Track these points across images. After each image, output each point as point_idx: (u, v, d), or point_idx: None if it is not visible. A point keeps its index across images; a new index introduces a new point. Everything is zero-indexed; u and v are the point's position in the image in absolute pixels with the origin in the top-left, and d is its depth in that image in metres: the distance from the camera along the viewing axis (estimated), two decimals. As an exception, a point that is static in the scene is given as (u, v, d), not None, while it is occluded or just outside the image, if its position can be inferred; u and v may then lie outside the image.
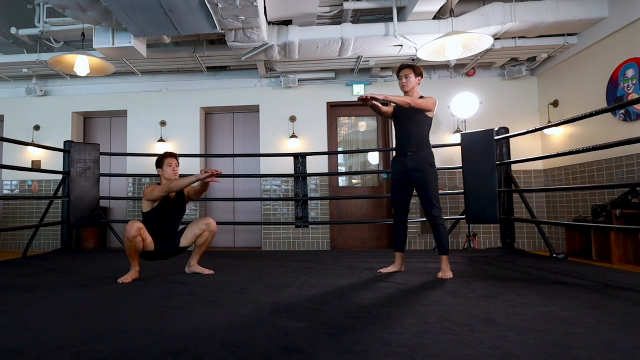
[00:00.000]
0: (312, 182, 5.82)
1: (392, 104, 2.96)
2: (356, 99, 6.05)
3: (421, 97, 2.89)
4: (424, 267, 3.21)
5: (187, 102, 6.13)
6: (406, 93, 2.93)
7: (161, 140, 5.96)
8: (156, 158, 3.05)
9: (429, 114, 2.89)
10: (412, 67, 2.91)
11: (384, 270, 3.04)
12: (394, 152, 3.09)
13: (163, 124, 6.07)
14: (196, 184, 2.87)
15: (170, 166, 2.94)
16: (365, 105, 2.74)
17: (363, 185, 6.19)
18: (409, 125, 2.92)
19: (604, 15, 4.34)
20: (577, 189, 4.22)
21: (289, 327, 1.66)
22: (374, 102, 2.70)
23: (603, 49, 4.51)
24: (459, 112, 5.39)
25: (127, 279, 2.70)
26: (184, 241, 2.94)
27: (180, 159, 3.34)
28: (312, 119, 5.96)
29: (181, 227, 3.04)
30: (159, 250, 2.86)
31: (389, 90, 5.93)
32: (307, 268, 3.26)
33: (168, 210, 2.92)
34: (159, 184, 2.93)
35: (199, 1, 3.60)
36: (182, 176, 3.02)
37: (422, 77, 2.94)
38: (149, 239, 2.78)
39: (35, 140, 6.12)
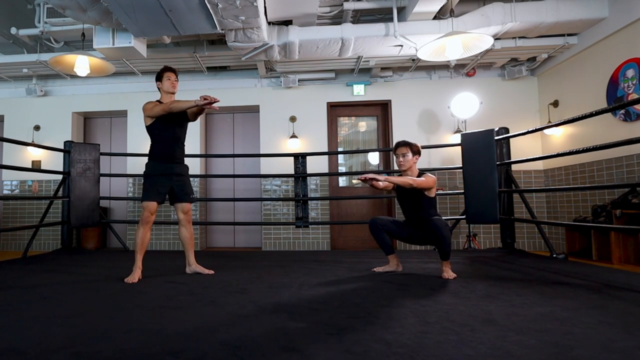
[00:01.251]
0: (312, 182, 5.82)
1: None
2: (357, 99, 6.10)
3: (420, 175, 2.91)
4: (424, 267, 3.21)
5: (187, 102, 6.11)
6: (404, 172, 2.95)
7: (161, 140, 5.95)
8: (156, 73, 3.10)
9: (429, 194, 2.87)
10: (409, 145, 2.93)
11: (378, 269, 3.04)
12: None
13: (163, 124, 6.06)
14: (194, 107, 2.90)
15: (169, 79, 2.99)
16: (365, 184, 2.82)
17: (363, 185, 6.18)
18: (414, 208, 2.95)
19: (604, 15, 4.34)
20: (577, 189, 4.22)
21: (289, 327, 1.66)
22: (374, 182, 2.76)
23: (603, 49, 4.51)
24: (459, 112, 5.39)
25: (134, 278, 2.72)
26: (180, 204, 3.01)
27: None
28: (312, 119, 5.96)
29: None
30: (173, 164, 2.95)
31: (387, 91, 5.94)
32: (307, 268, 3.26)
33: (170, 119, 2.94)
34: (159, 102, 2.96)
35: (199, 1, 3.60)
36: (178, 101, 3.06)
37: (419, 155, 2.95)
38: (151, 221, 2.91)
39: (35, 140, 6.12)
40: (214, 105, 2.72)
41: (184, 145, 3.09)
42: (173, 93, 3.00)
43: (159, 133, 2.95)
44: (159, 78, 3.02)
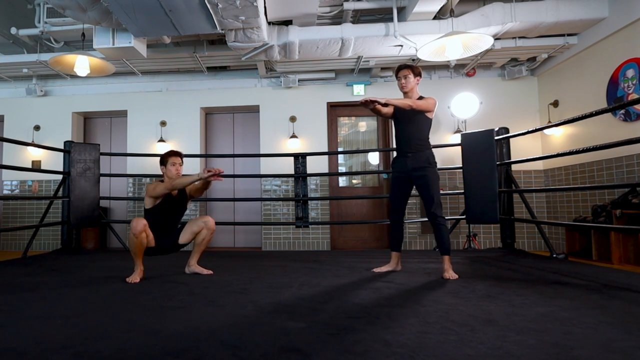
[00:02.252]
0: (312, 182, 5.82)
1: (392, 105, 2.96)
2: (356, 99, 6.09)
3: (420, 97, 2.90)
4: (424, 267, 3.21)
5: (187, 102, 6.13)
6: (405, 93, 2.94)
7: (161, 140, 5.96)
8: (160, 156, 3.06)
9: (429, 115, 2.89)
10: (410, 67, 2.91)
11: (378, 269, 3.05)
12: (394, 153, 3.09)
13: (163, 124, 6.07)
14: (198, 182, 2.88)
15: (174, 165, 2.95)
16: (366, 107, 2.73)
17: (363, 185, 6.19)
18: (408, 126, 2.92)
19: (604, 15, 4.34)
20: (577, 189, 4.22)
21: (289, 327, 1.66)
22: (375, 105, 2.70)
23: (603, 49, 4.51)
24: (459, 112, 5.39)
25: (135, 278, 2.71)
26: (183, 237, 2.96)
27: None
28: (312, 119, 5.96)
29: (185, 216, 3.05)
30: (158, 245, 2.88)
31: (388, 91, 5.93)
32: (307, 268, 3.26)
33: (170, 208, 2.93)
34: (162, 182, 2.94)
35: (199, 1, 3.60)
36: (183, 175, 3.03)
37: (420, 76, 2.94)
38: (151, 236, 2.81)
39: (35, 140, 6.12)
40: (219, 177, 2.70)
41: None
42: (174, 178, 2.95)
43: (155, 220, 2.88)
44: (163, 162, 2.97)
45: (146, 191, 2.90)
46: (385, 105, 2.76)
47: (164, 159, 2.98)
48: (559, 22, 4.36)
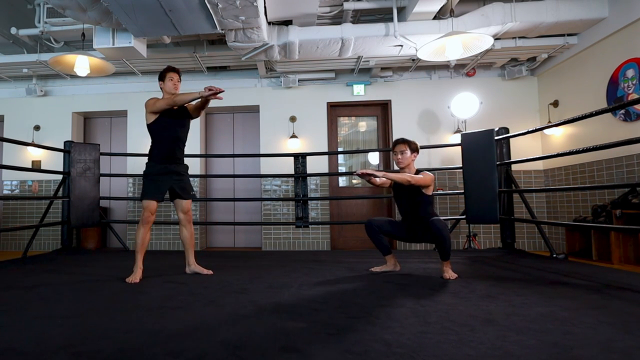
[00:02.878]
0: (312, 182, 5.82)
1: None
2: (356, 99, 6.10)
3: (418, 172, 2.90)
4: (424, 267, 3.21)
5: (187, 102, 6.11)
6: (402, 169, 2.94)
7: (161, 140, 5.95)
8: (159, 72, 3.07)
9: (427, 191, 2.86)
10: (407, 143, 2.92)
11: (376, 269, 3.05)
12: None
13: (163, 124, 6.06)
14: (197, 100, 2.87)
15: (171, 80, 2.96)
16: (362, 179, 2.81)
17: (363, 185, 6.18)
18: (410, 206, 2.94)
19: (604, 15, 4.34)
20: (577, 189, 4.22)
21: (289, 327, 1.66)
22: (372, 178, 2.76)
23: (603, 49, 4.51)
24: (459, 112, 5.39)
25: (135, 279, 2.72)
26: (180, 203, 3.01)
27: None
28: (312, 119, 5.96)
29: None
30: (166, 168, 2.91)
31: (388, 91, 5.94)
32: (307, 268, 3.26)
33: (172, 118, 2.93)
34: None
35: (199, 1, 3.60)
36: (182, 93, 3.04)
37: (417, 152, 2.95)
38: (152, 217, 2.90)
39: (35, 140, 6.12)
40: (219, 95, 2.69)
41: (185, 146, 3.07)
42: (175, 94, 2.96)
43: (160, 132, 2.92)
44: (161, 78, 3.00)
45: (146, 106, 2.90)
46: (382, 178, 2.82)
47: (162, 74, 2.99)
48: (559, 22, 4.36)
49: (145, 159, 3.02)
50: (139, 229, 2.86)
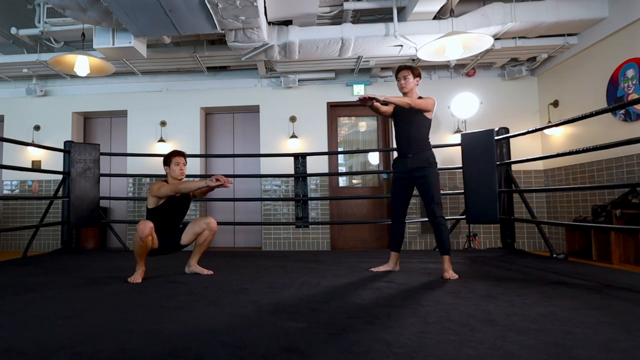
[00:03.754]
0: (312, 182, 5.82)
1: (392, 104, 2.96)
2: (356, 99, 6.09)
3: (420, 98, 2.90)
4: (424, 267, 3.21)
5: (187, 102, 6.13)
6: (405, 94, 2.94)
7: (161, 140, 5.96)
8: (163, 156, 3.06)
9: (428, 115, 2.89)
10: (410, 68, 2.92)
11: (377, 269, 3.05)
12: (395, 153, 3.09)
13: (163, 124, 6.07)
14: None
15: (177, 165, 2.94)
16: (364, 106, 2.74)
17: (363, 185, 6.19)
18: (408, 127, 2.93)
19: (604, 15, 4.34)
20: (577, 189, 4.22)
21: (289, 327, 1.66)
22: (374, 102, 2.71)
23: (603, 49, 4.51)
24: (459, 112, 5.39)
25: (137, 279, 2.70)
26: (185, 238, 2.96)
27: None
28: (312, 119, 5.96)
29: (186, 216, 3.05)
30: (161, 246, 2.88)
31: (388, 91, 5.93)
32: (307, 268, 3.26)
33: (173, 208, 2.94)
34: (165, 181, 2.95)
35: (199, 1, 3.60)
36: (187, 179, 3.04)
37: (420, 77, 2.94)
38: (156, 238, 2.81)
39: (35, 140, 6.12)
40: (226, 185, 2.68)
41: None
42: (180, 180, 2.95)
43: (158, 220, 2.87)
44: (166, 162, 2.97)
45: (150, 191, 2.89)
46: (384, 103, 2.78)
47: (168, 159, 2.98)
48: (559, 22, 4.36)
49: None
50: (135, 241, 2.72)
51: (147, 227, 2.67)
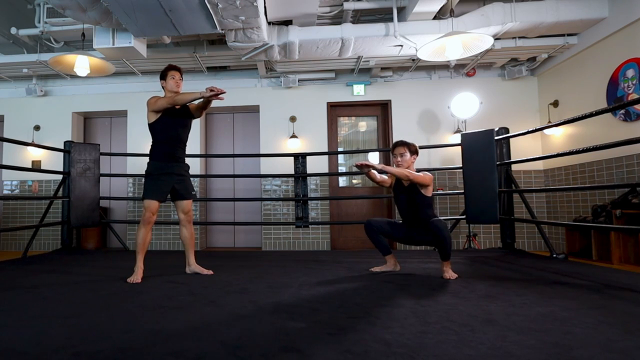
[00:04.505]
0: (312, 182, 5.82)
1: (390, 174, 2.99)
2: (356, 99, 6.10)
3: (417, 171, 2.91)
4: (424, 267, 3.22)
5: (187, 102, 6.12)
6: None
7: (161, 140, 5.95)
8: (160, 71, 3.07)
9: (427, 192, 2.86)
10: (406, 145, 2.93)
11: (376, 269, 3.05)
12: None
13: (163, 124, 6.06)
14: (198, 100, 2.86)
15: (173, 78, 2.95)
16: (360, 170, 2.82)
17: (363, 185, 6.19)
18: (409, 207, 2.94)
19: (604, 15, 4.34)
20: (577, 189, 4.22)
21: (289, 327, 1.66)
22: (370, 170, 2.78)
23: (603, 49, 4.51)
24: (459, 112, 5.39)
25: (137, 279, 2.72)
26: (181, 203, 3.01)
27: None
28: (312, 119, 5.96)
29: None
30: (168, 167, 2.91)
31: (388, 91, 5.94)
32: (307, 268, 3.26)
33: (174, 118, 2.93)
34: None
35: (199, 1, 3.60)
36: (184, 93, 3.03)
37: (417, 154, 2.96)
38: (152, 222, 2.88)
39: (35, 140, 6.12)
40: (220, 96, 2.68)
41: (186, 146, 3.07)
42: (177, 93, 2.96)
43: (161, 132, 2.91)
44: (163, 76, 3.00)
45: (147, 105, 2.89)
46: (381, 172, 2.81)
47: (164, 72, 2.99)
48: (559, 22, 4.36)
49: (146, 159, 3.01)
50: (139, 229, 2.85)
51: (153, 204, 2.82)
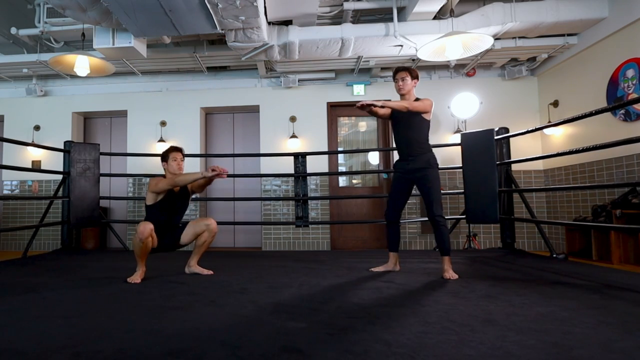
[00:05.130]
0: (312, 182, 5.82)
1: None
2: (357, 99, 6.10)
3: (417, 99, 2.91)
4: (424, 267, 3.21)
5: (187, 102, 6.13)
6: (402, 96, 2.96)
7: (161, 140, 5.96)
8: (162, 152, 3.05)
9: (426, 117, 2.90)
10: (408, 70, 2.93)
11: (376, 269, 3.05)
12: (395, 153, 3.10)
13: (163, 124, 6.07)
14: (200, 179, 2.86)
15: (175, 160, 2.95)
16: (363, 110, 2.78)
17: (363, 185, 6.19)
18: (407, 130, 2.94)
19: (604, 15, 4.34)
20: (577, 188, 4.22)
21: (289, 327, 1.66)
22: (372, 107, 2.76)
23: (603, 49, 4.51)
24: (459, 112, 5.39)
25: (137, 279, 2.71)
26: (184, 238, 2.96)
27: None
28: (312, 119, 5.96)
29: (185, 215, 3.03)
30: (160, 244, 2.88)
31: (388, 91, 5.93)
32: (307, 268, 3.26)
33: (171, 204, 2.93)
34: (163, 177, 2.95)
35: (199, 1, 3.60)
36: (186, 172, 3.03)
37: (417, 79, 2.96)
38: (155, 238, 2.79)
39: (35, 140, 6.12)
40: (223, 175, 2.68)
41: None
42: (177, 174, 2.94)
43: (157, 215, 2.88)
44: (164, 159, 2.97)
45: (148, 186, 2.89)
46: (382, 107, 2.80)
47: (165, 154, 2.98)
48: (559, 22, 4.36)
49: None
50: (135, 243, 2.71)
51: (147, 228, 2.67)
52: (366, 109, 2.76)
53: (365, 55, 4.99)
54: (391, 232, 3.05)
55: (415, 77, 2.94)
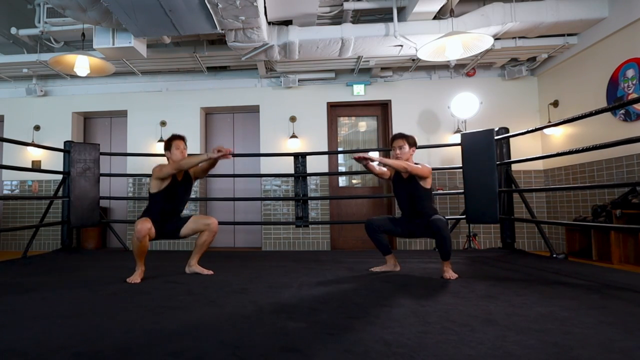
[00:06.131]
0: (312, 182, 5.82)
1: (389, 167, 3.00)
2: (356, 99, 6.10)
3: (416, 164, 2.90)
4: (424, 267, 3.21)
5: (187, 102, 6.13)
6: None
7: (161, 140, 5.95)
8: (164, 142, 3.04)
9: (426, 185, 2.87)
10: (405, 137, 2.95)
11: (376, 269, 3.05)
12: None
13: (163, 124, 6.07)
14: (204, 162, 2.86)
15: (178, 149, 2.94)
16: (359, 163, 2.86)
17: (363, 185, 6.19)
18: (409, 199, 2.94)
19: (604, 15, 4.34)
20: (577, 188, 4.22)
21: (289, 327, 1.66)
22: (369, 162, 2.82)
23: (603, 49, 4.51)
24: (459, 112, 5.39)
25: (136, 279, 2.70)
26: (184, 231, 2.96)
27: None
28: (312, 119, 5.96)
29: (186, 212, 3.04)
30: (161, 230, 2.88)
31: (388, 91, 5.94)
32: (307, 268, 3.26)
33: (175, 192, 2.93)
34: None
35: (199, 1, 3.60)
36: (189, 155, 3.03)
37: (415, 147, 2.98)
38: (153, 232, 2.79)
39: (35, 140, 6.12)
40: (228, 155, 2.68)
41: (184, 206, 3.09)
42: (181, 159, 2.93)
43: (160, 203, 2.88)
44: (167, 147, 2.96)
45: (153, 173, 2.87)
46: (380, 164, 2.84)
47: (168, 143, 2.97)
48: (559, 22, 4.36)
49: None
50: (134, 242, 2.72)
51: (144, 227, 2.67)
52: (362, 162, 2.84)
53: (365, 55, 4.99)
54: (378, 239, 3.00)
55: (412, 144, 2.95)
